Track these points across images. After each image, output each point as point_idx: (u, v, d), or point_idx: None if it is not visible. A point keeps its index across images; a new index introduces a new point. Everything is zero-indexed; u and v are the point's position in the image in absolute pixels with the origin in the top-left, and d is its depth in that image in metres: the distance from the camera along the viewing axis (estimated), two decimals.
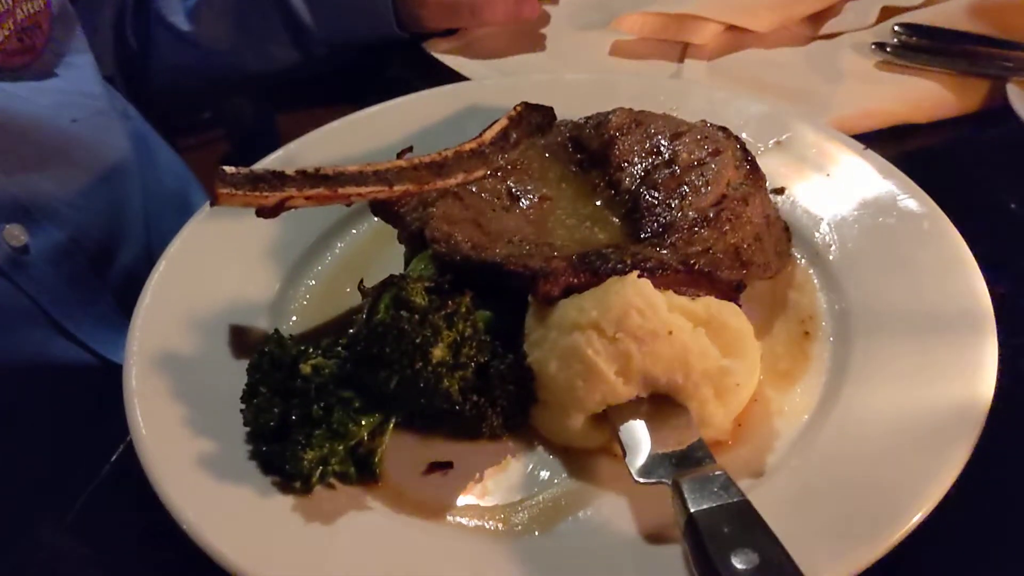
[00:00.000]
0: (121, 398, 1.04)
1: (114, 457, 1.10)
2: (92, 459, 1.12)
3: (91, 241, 1.48)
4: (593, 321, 0.96)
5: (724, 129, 1.21)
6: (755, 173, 1.16)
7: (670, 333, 0.94)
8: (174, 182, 1.79)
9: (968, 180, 1.35)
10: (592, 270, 1.02)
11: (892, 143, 1.33)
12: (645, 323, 0.95)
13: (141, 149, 1.69)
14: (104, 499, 1.08)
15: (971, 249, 1.07)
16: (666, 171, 1.15)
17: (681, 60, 1.62)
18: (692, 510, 0.80)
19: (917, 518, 0.83)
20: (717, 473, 0.84)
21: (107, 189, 1.53)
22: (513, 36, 1.72)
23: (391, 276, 1.05)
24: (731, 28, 1.63)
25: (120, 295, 1.49)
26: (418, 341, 0.95)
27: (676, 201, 1.12)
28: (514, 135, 1.28)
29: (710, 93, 1.37)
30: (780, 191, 1.23)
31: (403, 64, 1.80)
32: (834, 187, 1.20)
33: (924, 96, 1.42)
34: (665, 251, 1.06)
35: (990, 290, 1.02)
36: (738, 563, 0.74)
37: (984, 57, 1.43)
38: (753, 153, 1.19)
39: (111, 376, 1.09)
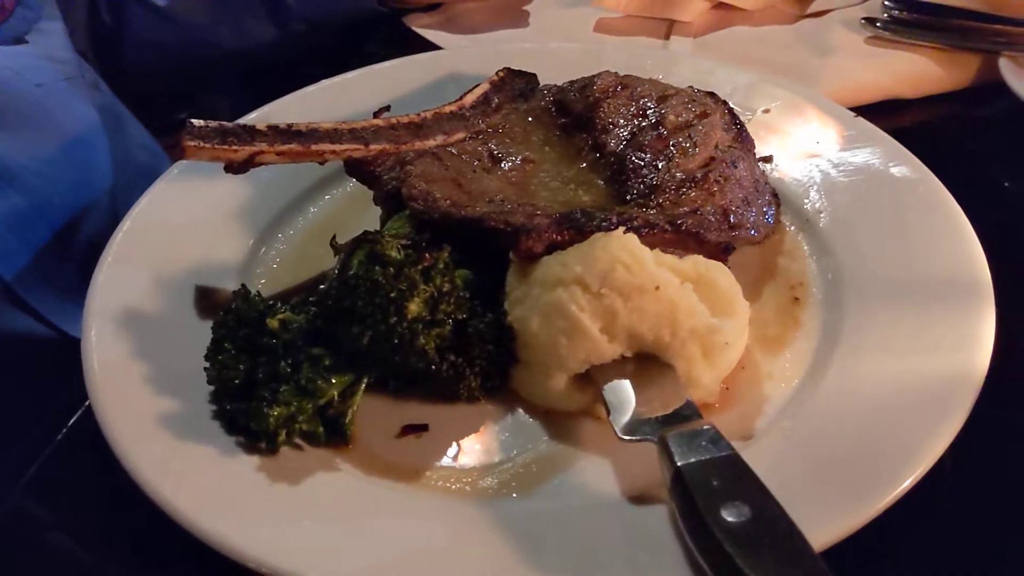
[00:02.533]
0: (81, 371, 0.99)
1: (72, 421, 1.05)
2: (49, 425, 1.06)
3: (54, 210, 1.42)
4: (577, 276, 0.91)
5: (712, 94, 1.17)
6: (743, 137, 1.13)
7: (657, 289, 0.90)
8: (144, 157, 1.73)
9: (961, 155, 1.32)
10: (576, 227, 0.97)
11: (882, 118, 1.29)
12: (632, 278, 0.90)
13: (110, 121, 1.63)
14: (63, 462, 1.02)
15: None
16: (653, 133, 1.11)
17: (667, 37, 1.58)
18: (679, 463, 0.75)
19: (907, 483, 0.79)
20: (705, 427, 0.80)
21: (72, 158, 1.47)
22: (495, 11, 1.68)
23: (365, 232, 1.00)
24: (718, 6, 1.60)
25: (84, 269, 1.43)
26: (393, 295, 0.90)
27: (663, 163, 1.08)
28: (496, 100, 1.24)
29: (697, 63, 1.34)
30: (768, 159, 1.20)
31: (382, 41, 1.75)
32: (824, 155, 1.17)
33: (915, 71, 1.40)
34: (652, 211, 1.03)
35: None
36: (729, 516, 0.70)
37: (975, 32, 1.41)
38: (742, 122, 1.16)
39: (71, 351, 1.04)
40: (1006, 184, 1.29)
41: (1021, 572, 0.83)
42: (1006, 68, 1.34)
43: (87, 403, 1.03)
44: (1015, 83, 1.31)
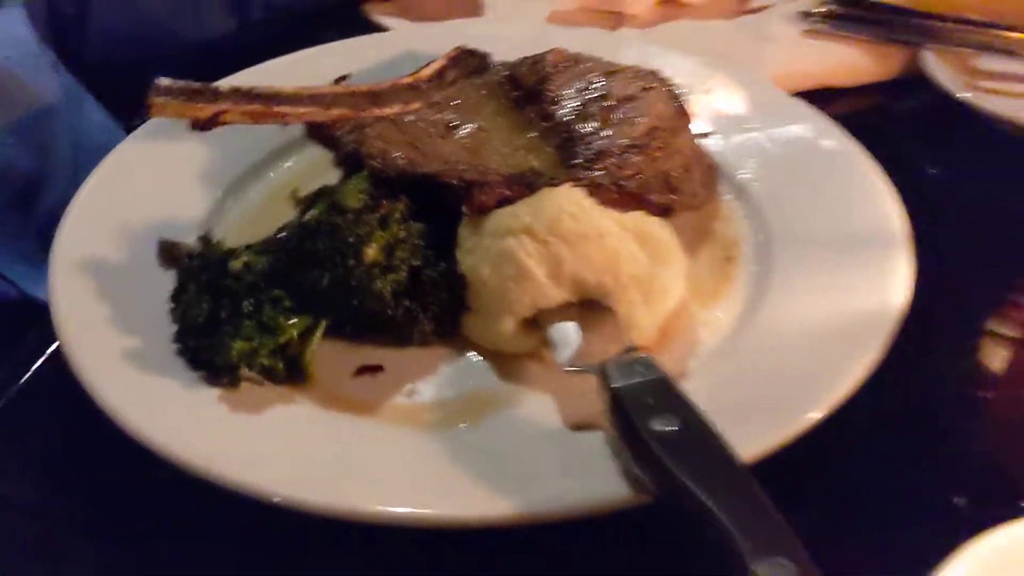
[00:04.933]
0: (40, 331, 1.03)
1: (33, 368, 1.08)
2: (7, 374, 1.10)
3: (16, 176, 1.46)
4: (526, 226, 0.97)
5: (655, 72, 1.24)
6: (684, 110, 1.20)
7: (601, 237, 0.97)
8: (106, 136, 1.76)
9: (885, 140, 1.39)
10: (526, 184, 1.04)
11: (815, 105, 1.37)
12: (577, 226, 0.97)
13: (71, 100, 1.67)
14: (23, 408, 1.05)
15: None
16: (599, 104, 1.18)
17: (615, 29, 1.66)
18: (615, 386, 0.82)
19: (822, 411, 0.86)
20: (642, 356, 0.86)
21: (35, 127, 1.51)
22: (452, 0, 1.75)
23: (325, 185, 1.06)
24: (664, 0, 1.69)
25: (45, 235, 1.46)
26: (351, 239, 0.96)
27: (609, 130, 1.14)
28: (451, 74, 1.30)
29: (643, 47, 1.42)
30: (707, 135, 1.27)
31: (339, 30, 1.79)
32: (759, 130, 1.25)
33: (845, 61, 1.48)
34: (598, 174, 1.09)
35: None
36: (659, 426, 0.76)
37: (902, 26, 1.50)
38: (683, 97, 1.23)
39: (32, 313, 1.08)
40: (924, 166, 1.37)
41: (916, 499, 0.90)
42: (929, 61, 1.43)
43: (48, 352, 1.07)
44: (936, 75, 1.40)
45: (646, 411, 0.78)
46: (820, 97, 1.45)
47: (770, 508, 0.69)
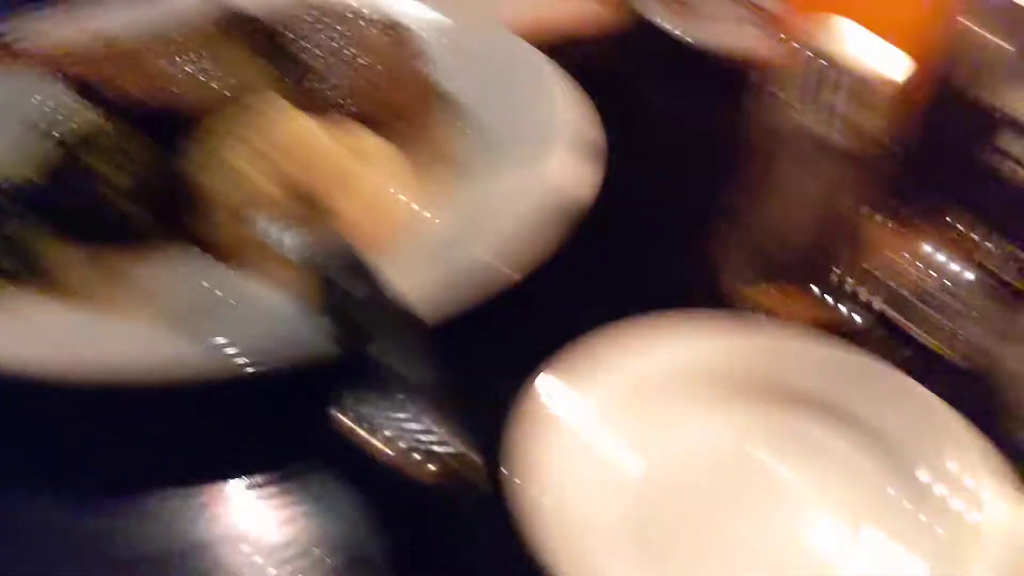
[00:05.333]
0: None
1: None
2: None
3: None
4: (247, 136, 1.09)
5: (391, 17, 1.38)
6: (414, 47, 1.34)
7: (316, 143, 1.09)
8: None
9: (617, 77, 1.56)
10: (252, 103, 1.15)
11: (558, 52, 1.51)
12: (292, 135, 1.10)
13: None
14: None
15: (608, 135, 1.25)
16: (336, 45, 1.31)
17: None
18: (319, 262, 0.94)
19: (506, 278, 1.02)
20: (345, 242, 0.98)
21: None
22: None
23: (72, 123, 1.16)
24: None
25: None
26: (88, 160, 1.08)
27: (342, 66, 1.27)
28: (205, 27, 1.40)
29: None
30: (436, 68, 1.40)
31: None
32: (483, 64, 1.39)
33: (581, 11, 1.65)
34: (325, 100, 1.21)
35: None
36: (353, 292, 0.89)
37: None
38: (418, 40, 1.36)
39: None
40: (639, 93, 1.54)
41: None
42: (651, 6, 1.61)
43: None
44: (656, 17, 1.59)
45: (344, 280, 0.92)
46: (559, 46, 1.61)
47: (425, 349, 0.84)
